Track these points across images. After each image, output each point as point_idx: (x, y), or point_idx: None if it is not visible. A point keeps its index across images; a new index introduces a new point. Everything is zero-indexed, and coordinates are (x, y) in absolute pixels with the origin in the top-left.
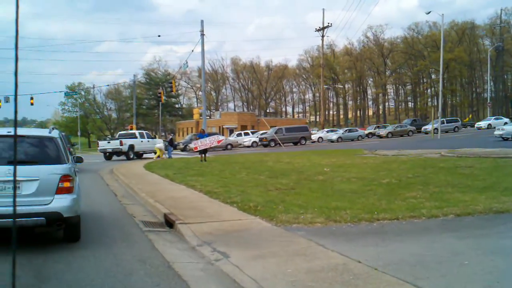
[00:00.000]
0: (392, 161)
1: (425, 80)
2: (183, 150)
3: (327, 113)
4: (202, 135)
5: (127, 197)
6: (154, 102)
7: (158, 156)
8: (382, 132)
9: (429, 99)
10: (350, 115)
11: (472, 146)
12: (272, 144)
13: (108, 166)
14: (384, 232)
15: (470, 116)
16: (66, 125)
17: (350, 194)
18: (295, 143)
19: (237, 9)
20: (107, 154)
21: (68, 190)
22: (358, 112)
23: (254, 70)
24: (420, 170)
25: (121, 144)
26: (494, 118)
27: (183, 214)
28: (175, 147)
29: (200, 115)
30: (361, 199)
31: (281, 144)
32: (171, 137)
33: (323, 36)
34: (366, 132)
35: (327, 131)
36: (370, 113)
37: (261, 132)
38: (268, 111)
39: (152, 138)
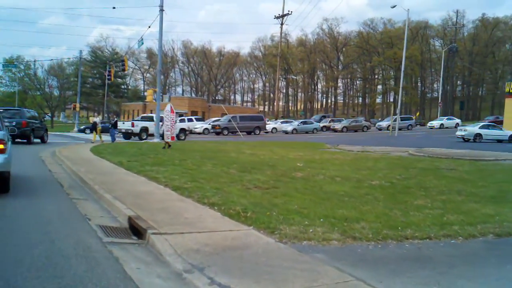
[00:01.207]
0: (363, 158)
1: (377, 77)
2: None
3: (275, 103)
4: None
5: (76, 189)
6: (99, 82)
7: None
8: (337, 126)
9: (379, 96)
10: (299, 107)
11: (434, 145)
12: (226, 132)
13: (52, 148)
14: (430, 260)
15: (418, 114)
16: (1, 99)
17: (347, 198)
18: (249, 133)
19: None
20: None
21: (2, 151)
22: (308, 104)
23: (206, 55)
24: (403, 171)
25: (132, 125)
26: (446, 118)
27: (153, 218)
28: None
29: (154, 97)
30: (365, 206)
31: (240, 133)
32: (115, 119)
33: (282, 24)
34: (321, 125)
35: (281, 122)
36: (319, 106)
37: (214, 119)
38: (217, 98)
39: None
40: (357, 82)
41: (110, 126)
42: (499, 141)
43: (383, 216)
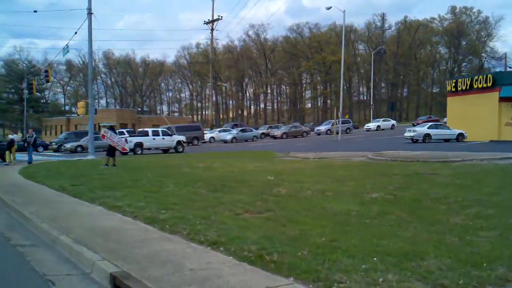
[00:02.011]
0: (329, 165)
1: (305, 81)
2: (56, 150)
3: (205, 112)
4: (114, 132)
5: (17, 230)
6: (15, 97)
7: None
8: (277, 132)
9: (310, 101)
10: (229, 115)
11: (387, 148)
12: None
13: None
14: None
15: (347, 116)
16: None
17: (368, 220)
18: (187, 144)
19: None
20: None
21: None
22: (239, 111)
23: (130, 65)
24: (388, 179)
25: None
26: (382, 120)
27: (148, 275)
28: (46, 147)
29: (87, 110)
30: (402, 231)
31: (184, 145)
32: (33, 135)
33: (212, 29)
34: (260, 132)
35: (219, 131)
36: (247, 113)
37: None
38: (143, 109)
39: (169, 135)
40: (287, 87)
41: (26, 144)
42: (446, 140)
43: (442, 246)
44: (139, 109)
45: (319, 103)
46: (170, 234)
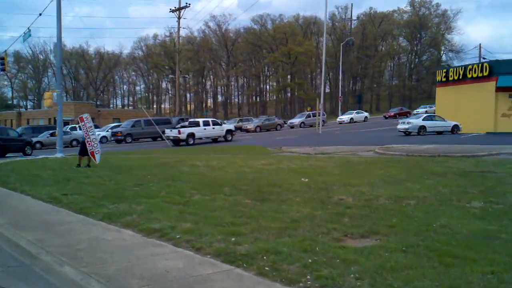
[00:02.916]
0: (348, 163)
1: (269, 73)
2: None
3: (163, 105)
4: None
5: (21, 279)
6: None
7: None
8: (250, 126)
9: (273, 94)
10: (189, 108)
11: (376, 141)
12: (129, 139)
13: None
14: None
15: (309, 108)
16: None
17: None
18: (154, 139)
19: None
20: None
21: None
22: (200, 104)
23: (84, 57)
24: (447, 181)
25: (179, 133)
26: (356, 112)
27: None
28: None
29: (55, 103)
30: None
31: (166, 139)
32: None
33: (179, 17)
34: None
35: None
36: (210, 105)
37: (112, 125)
38: (97, 103)
39: (219, 124)
40: (249, 80)
41: None
42: (439, 132)
43: None
44: (94, 102)
45: (283, 95)
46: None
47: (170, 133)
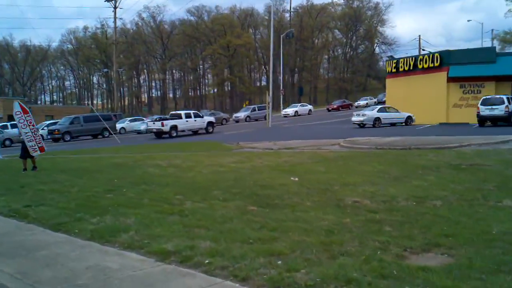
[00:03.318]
0: (324, 158)
1: (207, 67)
2: None
3: (95, 101)
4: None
5: None
6: None
7: None
8: None
9: (214, 87)
10: (125, 102)
11: (331, 134)
12: (67, 137)
13: None
14: None
15: (247, 102)
16: None
17: None
18: (95, 136)
19: None
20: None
21: None
22: (134, 99)
23: (8, 51)
24: (439, 175)
25: (162, 125)
26: (300, 105)
27: None
28: None
29: None
30: None
31: (115, 136)
32: None
33: (115, 7)
34: None
35: (130, 121)
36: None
37: (47, 122)
38: (24, 98)
39: (200, 117)
40: (187, 74)
41: None
42: (393, 124)
43: None
44: (22, 98)
45: (222, 89)
46: None
47: (153, 125)
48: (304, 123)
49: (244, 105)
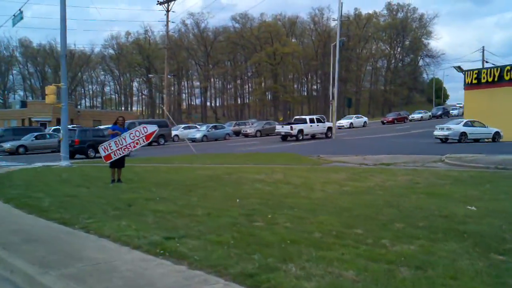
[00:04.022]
0: (458, 180)
1: (250, 75)
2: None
3: (136, 107)
4: (119, 128)
5: None
6: None
7: None
8: (249, 130)
9: (258, 96)
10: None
11: (412, 149)
12: None
13: None
14: None
15: (281, 119)
16: None
17: None
18: (149, 143)
19: None
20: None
21: None
22: (176, 106)
23: (53, 55)
24: None
25: (291, 129)
26: (355, 117)
27: None
28: None
29: (57, 98)
30: None
31: (189, 143)
32: None
33: (168, 10)
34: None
35: (183, 128)
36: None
37: (96, 128)
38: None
39: (322, 122)
40: (230, 81)
41: None
42: (476, 140)
43: None
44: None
45: (267, 97)
46: None
47: (281, 129)
48: (365, 136)
49: (280, 120)
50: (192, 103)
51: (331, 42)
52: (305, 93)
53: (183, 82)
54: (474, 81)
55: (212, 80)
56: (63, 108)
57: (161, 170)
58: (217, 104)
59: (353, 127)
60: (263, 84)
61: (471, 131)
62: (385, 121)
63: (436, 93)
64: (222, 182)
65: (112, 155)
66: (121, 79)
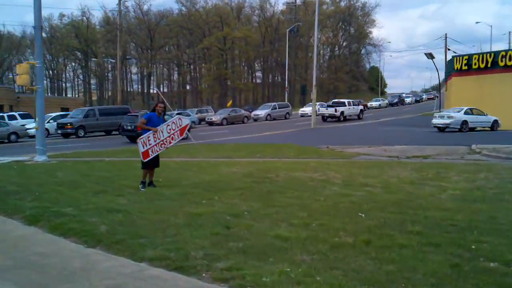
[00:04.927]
0: None
1: (197, 61)
2: None
3: (72, 94)
4: (156, 118)
5: None
6: None
7: None
8: (216, 118)
9: (208, 82)
10: (106, 96)
11: (410, 139)
12: (81, 133)
13: None
14: None
15: (230, 102)
16: None
17: None
18: (108, 132)
19: None
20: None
21: None
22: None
23: None
24: None
25: (335, 111)
26: (319, 104)
27: None
28: None
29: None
30: None
31: (189, 134)
32: None
33: None
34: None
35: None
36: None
37: (53, 114)
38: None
39: (357, 105)
40: (176, 67)
41: None
42: (472, 129)
43: None
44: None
45: (217, 84)
46: None
47: (325, 111)
48: (342, 124)
49: (228, 105)
50: (131, 89)
51: (280, 29)
52: (255, 80)
53: (125, 68)
54: (464, 67)
55: (155, 65)
56: (38, 91)
57: (172, 166)
58: (165, 90)
59: (318, 114)
60: (212, 69)
61: (472, 119)
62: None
63: (376, 82)
64: (279, 184)
65: (150, 151)
66: (54, 63)
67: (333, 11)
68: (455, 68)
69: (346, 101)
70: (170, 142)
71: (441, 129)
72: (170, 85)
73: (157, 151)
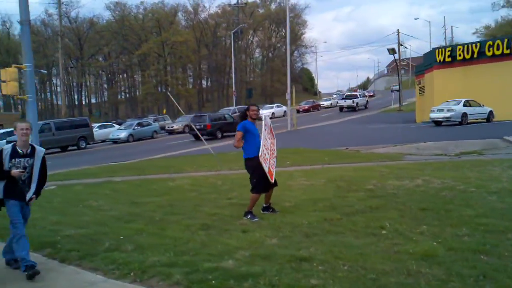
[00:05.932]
0: None
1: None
2: None
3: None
4: (251, 125)
5: None
6: None
7: None
8: (176, 126)
9: (150, 90)
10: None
11: (415, 137)
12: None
13: None
14: None
15: (164, 111)
16: None
17: None
18: (64, 148)
19: None
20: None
21: None
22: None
23: None
24: None
25: (353, 102)
26: (276, 106)
27: None
28: None
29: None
30: None
31: (205, 142)
32: None
33: None
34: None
35: (98, 127)
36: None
37: (2, 131)
38: None
39: (363, 97)
40: (114, 75)
41: None
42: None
43: None
44: None
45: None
46: None
47: (344, 102)
48: (313, 125)
49: (163, 112)
50: (58, 102)
51: (217, 32)
52: (198, 85)
53: (54, 80)
54: (447, 59)
55: (87, 75)
56: (29, 101)
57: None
58: (101, 101)
59: (276, 117)
60: (152, 77)
61: (470, 111)
62: (301, 110)
63: (310, 82)
64: (429, 199)
65: (271, 168)
66: None
67: (266, 13)
68: (438, 60)
69: (357, 93)
70: (274, 150)
71: (437, 123)
72: (101, 95)
73: (274, 165)
